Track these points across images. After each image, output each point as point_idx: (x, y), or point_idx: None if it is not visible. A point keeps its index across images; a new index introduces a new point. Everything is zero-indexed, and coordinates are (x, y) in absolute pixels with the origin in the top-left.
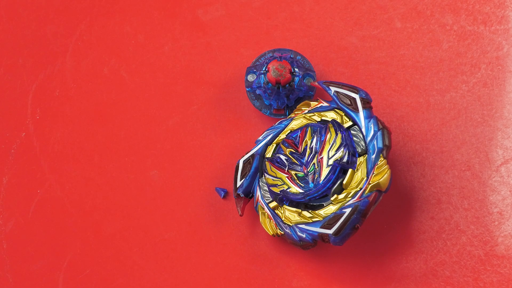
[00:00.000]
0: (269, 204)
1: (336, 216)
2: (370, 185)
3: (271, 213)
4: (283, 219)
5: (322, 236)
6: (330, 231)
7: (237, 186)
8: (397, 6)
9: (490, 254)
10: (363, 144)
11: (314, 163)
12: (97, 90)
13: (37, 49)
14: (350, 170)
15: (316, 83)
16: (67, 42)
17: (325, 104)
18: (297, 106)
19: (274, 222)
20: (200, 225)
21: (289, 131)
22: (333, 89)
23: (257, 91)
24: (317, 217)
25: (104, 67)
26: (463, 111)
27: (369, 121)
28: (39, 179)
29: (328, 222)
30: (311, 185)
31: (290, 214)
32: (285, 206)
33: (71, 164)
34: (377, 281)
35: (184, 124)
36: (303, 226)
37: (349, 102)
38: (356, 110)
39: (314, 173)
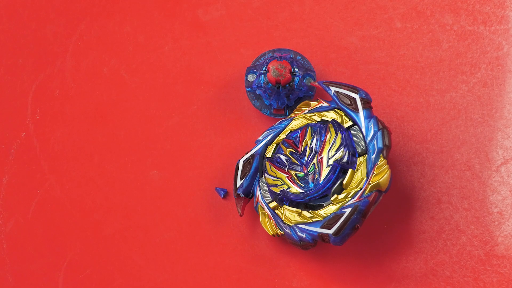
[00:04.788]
0: (269, 204)
1: (336, 216)
2: (370, 185)
3: (271, 213)
4: (283, 219)
5: (322, 236)
6: (330, 231)
7: (237, 186)
8: (397, 6)
9: (490, 254)
10: (363, 144)
11: (314, 163)
12: (97, 90)
13: (37, 49)
14: (350, 170)
15: (316, 83)
16: (67, 42)
17: (325, 104)
18: (297, 106)
19: (274, 222)
20: (200, 225)
21: (289, 131)
22: (333, 89)
23: (257, 91)
24: (317, 217)
25: (104, 67)
26: (463, 111)
27: (369, 121)
28: (39, 179)
29: (328, 222)
30: (311, 185)
31: (290, 214)
32: (285, 206)
33: (71, 164)
34: (377, 281)
35: (184, 124)
36: (303, 226)
37: (349, 102)
38: (356, 110)
39: (314, 173)
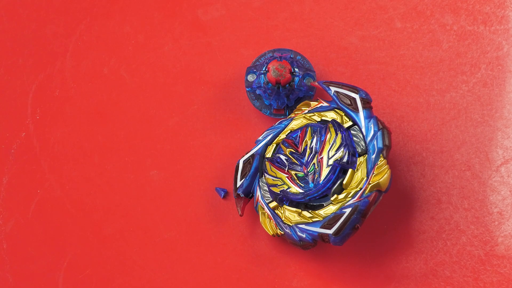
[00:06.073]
0: (269, 204)
1: (336, 216)
2: (370, 185)
3: (271, 213)
4: (283, 219)
5: (322, 236)
6: (330, 231)
7: (237, 186)
8: (397, 6)
9: (490, 254)
10: (363, 144)
11: (314, 163)
12: (97, 90)
13: (37, 49)
14: (350, 170)
15: (316, 83)
16: (67, 42)
17: (325, 104)
18: (297, 106)
19: (274, 222)
20: (200, 225)
21: (289, 131)
22: (333, 89)
23: (257, 91)
24: (317, 217)
25: (104, 67)
26: (463, 111)
27: (369, 121)
28: (39, 179)
29: (328, 222)
30: (311, 185)
31: (290, 214)
32: (285, 206)
33: (71, 164)
34: (377, 281)
35: (184, 124)
36: (303, 226)
37: (349, 102)
38: (356, 110)
39: (314, 173)
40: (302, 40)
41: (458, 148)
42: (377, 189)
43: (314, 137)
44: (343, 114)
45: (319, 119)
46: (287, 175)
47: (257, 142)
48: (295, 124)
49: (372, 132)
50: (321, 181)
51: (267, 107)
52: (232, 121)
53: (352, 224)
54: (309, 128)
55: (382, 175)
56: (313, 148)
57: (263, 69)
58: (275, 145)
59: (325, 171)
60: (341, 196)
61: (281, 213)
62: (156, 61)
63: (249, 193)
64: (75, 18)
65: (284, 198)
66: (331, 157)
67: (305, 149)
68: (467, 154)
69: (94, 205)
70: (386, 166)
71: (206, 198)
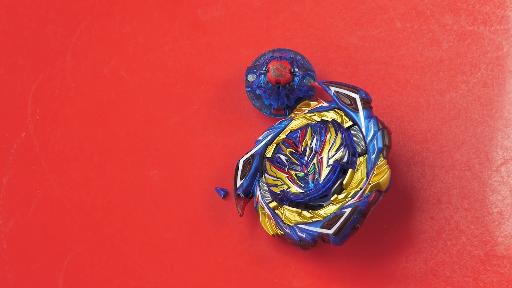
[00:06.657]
0: (269, 204)
1: (336, 216)
2: (370, 185)
3: (271, 213)
4: (283, 219)
5: (322, 236)
6: (330, 231)
7: (237, 186)
8: (397, 6)
9: (490, 254)
10: (363, 144)
11: (314, 163)
12: (97, 90)
13: (37, 49)
14: (350, 170)
15: (316, 83)
16: (67, 42)
17: (325, 104)
18: (297, 106)
19: (274, 222)
20: (200, 225)
21: (289, 131)
22: (333, 89)
23: (257, 91)
24: (317, 217)
25: (104, 67)
26: (463, 111)
27: (369, 121)
28: (39, 179)
29: (328, 222)
30: (311, 185)
31: (290, 214)
32: (285, 206)
33: (71, 164)
34: (377, 281)
35: (184, 124)
36: (303, 226)
37: (349, 102)
38: (356, 110)
39: (314, 173)
40: (302, 40)
41: (458, 148)
42: (377, 189)
43: (314, 137)
44: (343, 114)
45: (319, 119)
46: (287, 175)
47: (257, 142)
48: (295, 124)
49: (372, 132)
50: (321, 181)
51: (267, 107)
52: (232, 121)
53: (352, 224)
54: (309, 128)
55: (382, 175)
56: (313, 148)
57: (263, 69)
58: (275, 145)
59: (325, 171)
60: (341, 196)
61: (281, 213)
62: (156, 61)
63: (249, 193)
64: (75, 18)
65: (284, 198)
66: (331, 157)
67: (305, 149)
68: (467, 154)
69: (94, 205)
70: (386, 166)
71: (206, 198)
